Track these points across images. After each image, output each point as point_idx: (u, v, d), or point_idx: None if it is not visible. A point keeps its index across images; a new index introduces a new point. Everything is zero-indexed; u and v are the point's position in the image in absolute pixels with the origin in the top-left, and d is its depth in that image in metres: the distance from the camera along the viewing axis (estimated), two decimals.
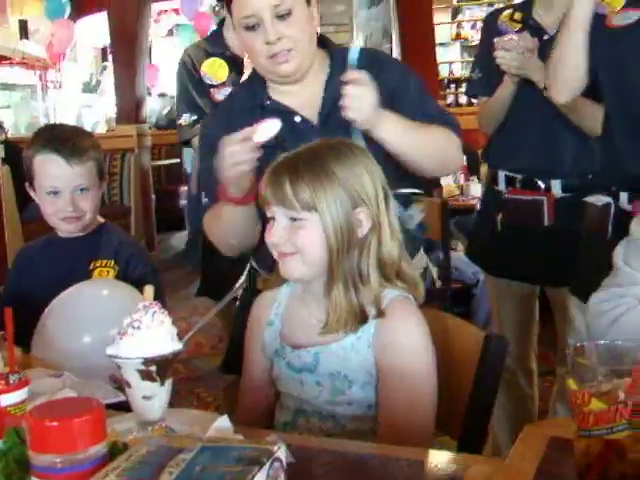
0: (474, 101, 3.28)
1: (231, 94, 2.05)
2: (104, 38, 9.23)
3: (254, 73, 1.95)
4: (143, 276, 2.12)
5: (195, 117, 2.77)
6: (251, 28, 1.78)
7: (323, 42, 1.94)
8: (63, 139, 2.17)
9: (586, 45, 2.01)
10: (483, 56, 2.68)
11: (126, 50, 7.34)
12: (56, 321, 1.86)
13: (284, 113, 1.82)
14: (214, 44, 2.75)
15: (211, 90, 2.74)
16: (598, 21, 1.99)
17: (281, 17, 1.77)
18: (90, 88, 11.87)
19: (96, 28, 10.30)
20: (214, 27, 2.97)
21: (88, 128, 10.40)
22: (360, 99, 1.67)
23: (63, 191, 2.14)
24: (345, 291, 1.44)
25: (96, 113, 11.48)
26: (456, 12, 9.24)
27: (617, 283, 1.55)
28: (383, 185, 1.50)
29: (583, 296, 2.26)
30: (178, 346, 1.25)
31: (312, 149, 1.51)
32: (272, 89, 1.91)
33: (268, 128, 1.66)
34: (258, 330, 1.62)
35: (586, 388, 0.99)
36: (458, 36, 9.26)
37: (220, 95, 2.69)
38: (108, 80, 9.91)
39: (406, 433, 1.41)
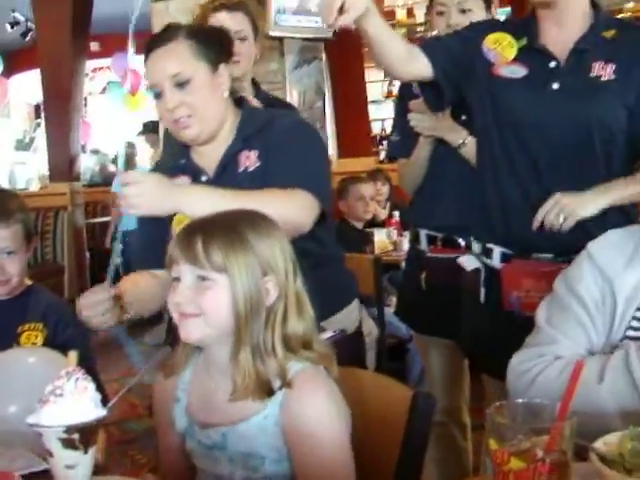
0: None
1: (165, 152, 2.12)
2: (38, 95, 9.18)
3: None
4: (72, 339, 2.08)
5: None
6: (157, 96, 1.90)
7: (241, 103, 2.05)
8: None
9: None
10: (400, 119, 2.74)
11: (60, 107, 7.30)
12: None
13: (194, 172, 1.98)
14: None
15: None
16: (486, 66, 2.04)
17: (180, 85, 1.88)
18: (23, 145, 11.77)
19: (30, 85, 10.27)
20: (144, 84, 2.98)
21: (21, 185, 10.32)
22: (137, 197, 1.73)
23: None
24: (252, 358, 1.41)
25: (29, 170, 11.36)
26: None
27: (537, 342, 1.56)
28: (293, 262, 1.49)
29: (468, 353, 2.33)
30: (102, 412, 1.23)
31: (227, 215, 1.50)
32: (192, 148, 2.02)
33: None
34: (165, 407, 1.57)
35: (506, 447, 1.00)
36: (390, 94, 9.42)
37: None
38: (42, 137, 9.83)
39: None
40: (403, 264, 3.24)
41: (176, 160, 2.02)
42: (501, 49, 2.03)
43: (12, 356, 1.94)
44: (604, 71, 1.93)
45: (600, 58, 1.94)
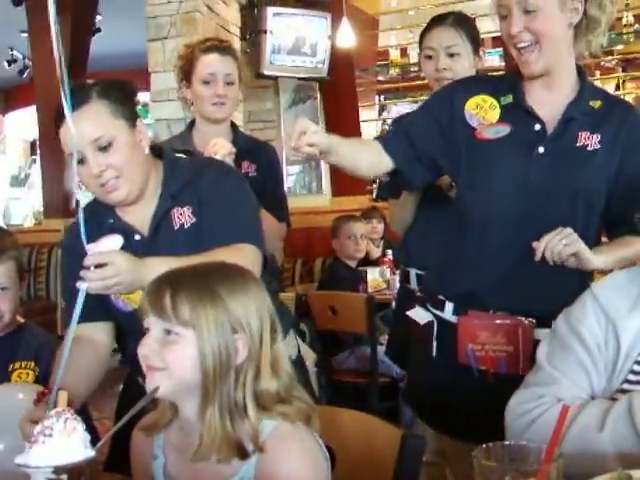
0: None
1: (85, 208, 2.06)
2: (34, 132, 9.22)
3: None
4: None
5: None
6: (80, 162, 1.79)
7: (160, 153, 2.00)
8: None
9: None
10: None
11: (55, 144, 7.27)
12: None
13: (125, 231, 1.91)
14: (183, 142, 2.80)
15: None
16: (468, 132, 2.02)
17: (103, 149, 1.82)
18: (19, 181, 11.80)
19: (26, 122, 10.33)
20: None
21: (17, 221, 10.33)
22: (113, 278, 1.65)
23: None
24: (220, 416, 1.35)
25: (24, 206, 11.38)
26: (382, 109, 9.48)
27: (536, 382, 1.54)
28: (272, 319, 1.44)
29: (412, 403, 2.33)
30: (90, 453, 1.24)
31: (201, 268, 1.46)
32: (118, 207, 1.95)
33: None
34: (144, 463, 1.52)
35: None
36: (384, 133, 9.48)
37: None
38: (37, 174, 9.86)
39: None
40: (393, 303, 3.25)
41: (102, 219, 1.94)
42: (484, 112, 2.01)
43: (1, 392, 1.93)
44: (590, 141, 1.93)
45: (586, 128, 1.94)
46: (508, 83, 2.04)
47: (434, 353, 2.07)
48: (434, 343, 2.07)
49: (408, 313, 2.21)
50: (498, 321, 1.94)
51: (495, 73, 3.31)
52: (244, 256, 1.81)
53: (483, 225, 1.99)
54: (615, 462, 1.32)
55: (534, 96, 1.99)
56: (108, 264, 1.64)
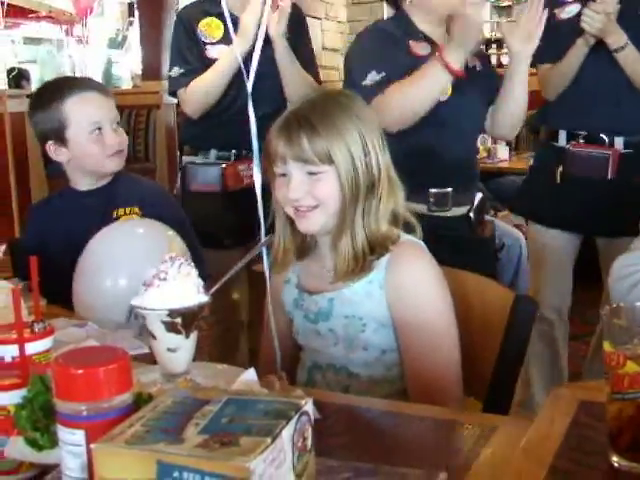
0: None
1: (378, 24, 2.45)
2: None
3: (399, 13, 2.34)
4: (171, 222, 1.97)
5: (183, 71, 2.71)
6: None
7: None
8: (87, 79, 2.17)
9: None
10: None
11: (152, 5, 7.27)
12: (90, 261, 1.84)
13: (433, 44, 2.24)
14: (212, 3, 2.70)
15: (206, 47, 2.69)
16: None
17: None
18: (116, 44, 11.83)
19: None
20: None
21: (115, 83, 10.43)
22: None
23: (105, 125, 2.12)
24: (352, 240, 1.47)
25: (122, 69, 11.45)
26: None
27: None
28: (380, 132, 1.53)
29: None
30: (204, 298, 1.24)
31: (315, 102, 1.53)
32: (418, 22, 2.28)
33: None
34: (277, 293, 1.65)
35: (621, 350, 0.96)
36: None
37: (214, 52, 2.66)
38: (134, 36, 9.86)
39: (431, 380, 1.44)
40: (531, 161, 3.26)
41: (403, 27, 2.28)
42: None
43: (122, 228, 1.96)
44: None
45: None
46: None
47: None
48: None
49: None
50: None
51: None
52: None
53: None
54: None
55: None
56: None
